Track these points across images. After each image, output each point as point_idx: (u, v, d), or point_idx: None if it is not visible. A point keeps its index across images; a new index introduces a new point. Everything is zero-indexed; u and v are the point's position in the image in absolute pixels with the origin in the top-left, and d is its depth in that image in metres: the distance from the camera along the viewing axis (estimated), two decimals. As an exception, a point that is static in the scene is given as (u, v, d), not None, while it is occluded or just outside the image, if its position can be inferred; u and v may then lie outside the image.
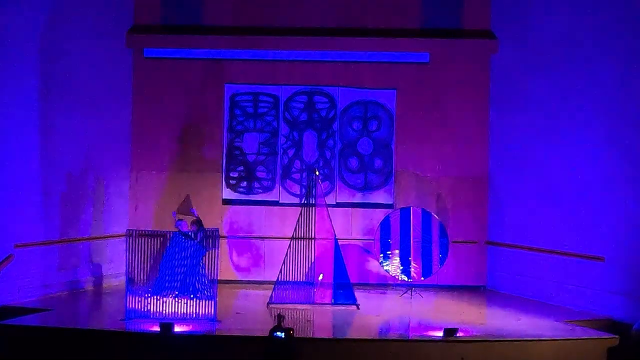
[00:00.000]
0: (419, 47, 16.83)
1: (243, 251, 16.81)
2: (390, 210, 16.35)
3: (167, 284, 13.51)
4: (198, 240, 13.80)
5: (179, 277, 13.66)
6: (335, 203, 16.66)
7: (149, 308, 13.24)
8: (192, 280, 13.59)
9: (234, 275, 16.49)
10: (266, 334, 11.19)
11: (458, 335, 12.29)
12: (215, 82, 16.91)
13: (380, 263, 15.93)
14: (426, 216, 15.88)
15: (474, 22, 16.77)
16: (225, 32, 16.76)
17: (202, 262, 13.61)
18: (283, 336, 11.01)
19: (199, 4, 16.83)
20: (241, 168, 17.01)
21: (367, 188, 16.95)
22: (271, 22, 16.82)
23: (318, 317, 14.16)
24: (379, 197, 16.89)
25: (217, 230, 13.73)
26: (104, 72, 16.11)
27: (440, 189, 16.74)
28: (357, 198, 16.92)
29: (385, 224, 15.97)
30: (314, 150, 17.01)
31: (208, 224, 14.71)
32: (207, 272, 13.48)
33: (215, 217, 16.55)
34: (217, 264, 13.37)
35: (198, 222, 14.42)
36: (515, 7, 16.22)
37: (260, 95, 17.04)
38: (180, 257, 13.76)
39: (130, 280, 13.30)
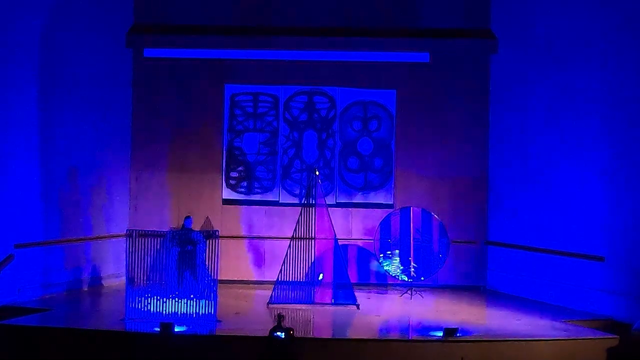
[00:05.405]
0: (419, 47, 16.82)
1: (243, 251, 16.80)
2: (390, 210, 16.35)
3: (172, 284, 13.50)
4: (195, 239, 13.77)
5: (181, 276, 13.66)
6: (335, 203, 16.66)
7: (149, 308, 13.24)
8: (195, 279, 13.57)
9: (234, 275, 16.44)
10: (266, 334, 11.20)
11: (458, 335, 12.29)
12: (215, 82, 16.91)
13: (380, 263, 15.93)
14: (426, 216, 15.87)
15: (474, 22, 16.77)
16: (225, 32, 16.76)
17: (205, 262, 13.61)
18: (283, 336, 11.02)
19: (199, 4, 16.83)
20: (241, 168, 17.01)
21: (367, 188, 16.95)
22: (271, 22, 16.82)
23: (318, 317, 14.16)
24: (379, 197, 16.89)
25: (218, 230, 13.74)
26: (104, 72, 16.11)
27: (440, 189, 16.74)
28: (357, 198, 16.93)
29: (385, 224, 15.97)
30: (314, 150, 17.01)
31: (208, 224, 14.72)
32: (207, 271, 13.48)
33: (215, 217, 16.57)
34: (217, 264, 13.37)
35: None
36: (515, 7, 16.23)
37: (260, 95, 17.05)
38: (183, 257, 13.76)
39: (130, 280, 13.30)
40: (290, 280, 14.76)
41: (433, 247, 15.76)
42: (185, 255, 13.72)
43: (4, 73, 14.19)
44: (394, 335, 13.61)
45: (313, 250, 14.86)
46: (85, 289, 15.71)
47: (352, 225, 16.82)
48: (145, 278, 13.37)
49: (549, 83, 15.42)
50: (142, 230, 13.66)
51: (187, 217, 14.45)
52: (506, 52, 16.43)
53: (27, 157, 14.69)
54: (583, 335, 12.95)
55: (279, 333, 11.05)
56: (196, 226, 15.24)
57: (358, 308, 14.54)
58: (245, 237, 16.83)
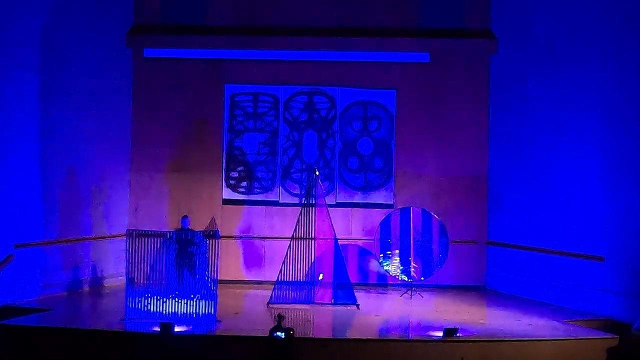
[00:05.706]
0: (419, 47, 16.83)
1: (243, 251, 16.80)
2: (390, 210, 16.35)
3: (173, 285, 13.49)
4: (195, 240, 13.78)
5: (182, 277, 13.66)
6: (335, 203, 16.65)
7: (149, 308, 13.24)
8: (195, 280, 13.56)
9: (234, 275, 16.44)
10: (266, 334, 11.20)
11: (458, 335, 12.29)
12: (215, 82, 16.91)
13: (380, 263, 15.93)
14: (426, 216, 15.87)
15: (474, 22, 16.77)
16: (225, 32, 16.77)
17: (205, 262, 13.61)
18: (283, 336, 11.01)
19: (199, 3, 16.83)
20: (241, 168, 17.01)
21: (367, 188, 16.95)
22: (271, 22, 16.83)
23: (318, 317, 14.15)
24: (379, 197, 16.89)
25: (218, 230, 13.74)
26: (104, 72, 16.11)
27: (440, 189, 16.74)
28: (357, 198, 16.92)
29: (385, 224, 15.96)
30: (314, 150, 17.01)
31: (213, 224, 14.71)
32: (208, 271, 13.48)
33: (215, 217, 16.53)
34: (217, 264, 13.37)
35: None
36: (515, 7, 16.23)
37: (260, 95, 17.05)
38: (183, 257, 13.76)
39: (130, 280, 13.30)
40: (290, 280, 14.75)
41: (433, 247, 15.75)
42: (185, 255, 13.72)
43: (4, 73, 14.19)
44: (394, 335, 13.61)
45: (313, 250, 14.86)
46: (85, 289, 15.71)
47: (352, 225, 16.82)
48: (145, 278, 13.37)
49: (549, 83, 15.42)
50: (142, 230, 13.66)
51: (184, 217, 14.41)
52: (506, 52, 16.44)
53: (27, 157, 14.69)
54: (583, 335, 12.95)
55: (279, 333, 11.05)
56: (200, 226, 15.20)
57: (358, 308, 14.54)
58: (245, 237, 16.83)
